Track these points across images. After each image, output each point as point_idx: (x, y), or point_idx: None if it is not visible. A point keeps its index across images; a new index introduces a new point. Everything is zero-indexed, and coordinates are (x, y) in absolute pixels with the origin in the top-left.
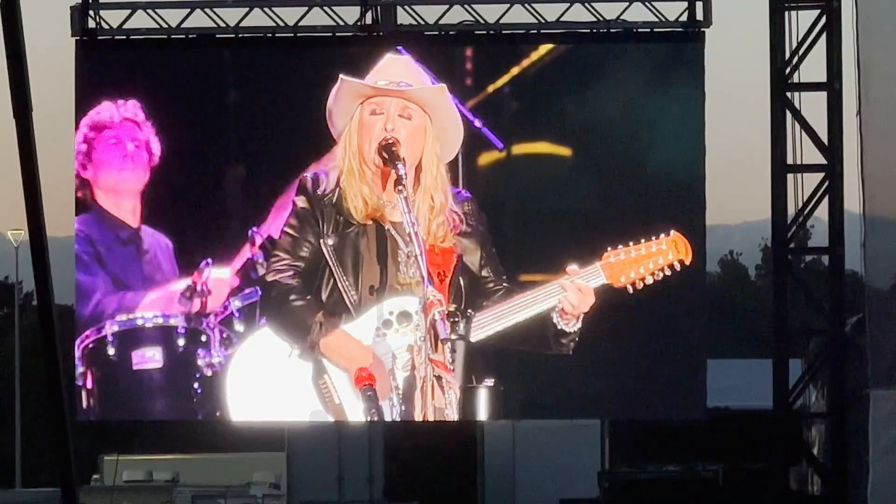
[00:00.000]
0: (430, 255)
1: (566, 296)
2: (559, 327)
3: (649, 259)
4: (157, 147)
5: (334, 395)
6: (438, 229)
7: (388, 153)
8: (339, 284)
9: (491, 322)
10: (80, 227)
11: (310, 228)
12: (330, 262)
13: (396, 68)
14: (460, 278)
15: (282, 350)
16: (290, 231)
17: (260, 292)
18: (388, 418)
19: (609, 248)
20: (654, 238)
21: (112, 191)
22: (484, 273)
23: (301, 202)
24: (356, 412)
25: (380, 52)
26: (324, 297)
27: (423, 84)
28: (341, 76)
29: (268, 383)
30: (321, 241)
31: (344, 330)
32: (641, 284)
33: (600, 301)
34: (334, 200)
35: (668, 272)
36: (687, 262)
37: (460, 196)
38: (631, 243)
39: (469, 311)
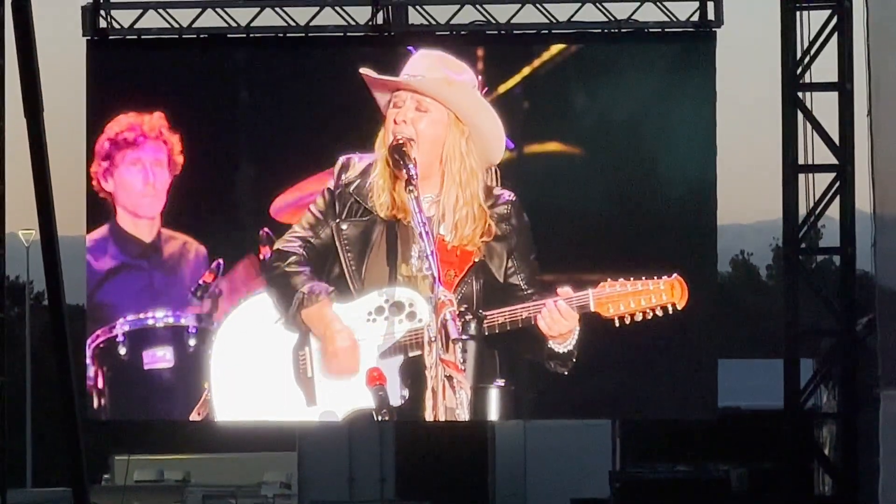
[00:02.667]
0: (449, 253)
1: (542, 315)
2: (549, 346)
3: (641, 296)
4: (179, 163)
5: (308, 369)
6: (465, 226)
7: (399, 154)
8: (345, 270)
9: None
10: (93, 243)
11: (331, 212)
12: (339, 247)
13: (426, 62)
14: (473, 279)
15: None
16: (314, 209)
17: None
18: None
19: (609, 279)
20: (655, 277)
21: (132, 212)
22: (513, 281)
23: (330, 184)
24: (325, 391)
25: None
26: (328, 280)
27: (446, 77)
28: (365, 70)
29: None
30: (334, 224)
31: (328, 305)
32: (629, 319)
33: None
34: (357, 188)
35: (658, 313)
36: (679, 307)
37: (502, 198)
38: (632, 278)
39: (480, 311)
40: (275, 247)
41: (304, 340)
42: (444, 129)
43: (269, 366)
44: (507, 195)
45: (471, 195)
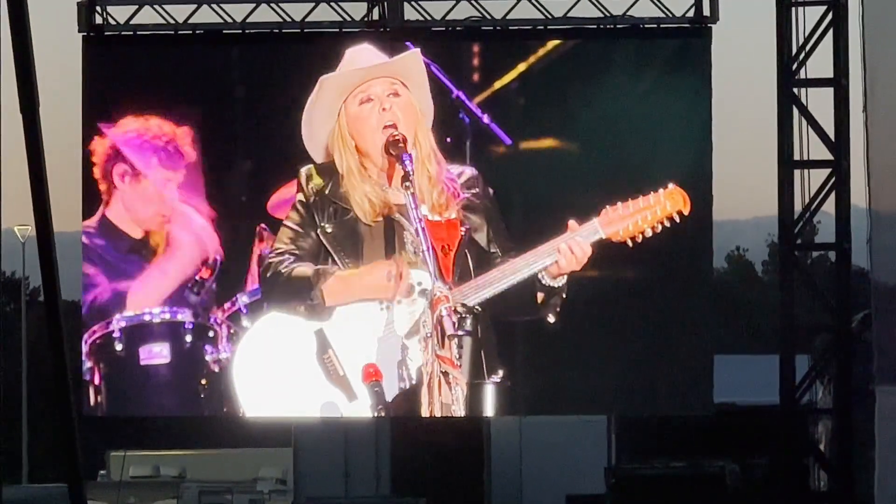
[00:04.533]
0: (436, 227)
1: (558, 259)
2: (544, 283)
3: (647, 211)
4: (183, 176)
5: (338, 368)
6: (439, 197)
7: (396, 150)
8: (341, 266)
9: (485, 287)
10: (88, 239)
11: (309, 220)
12: (330, 250)
13: (364, 56)
14: (467, 252)
15: (287, 337)
16: (290, 224)
17: (259, 274)
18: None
19: (607, 206)
20: (651, 192)
21: (131, 220)
22: (492, 248)
23: (300, 197)
24: (358, 384)
25: (387, 47)
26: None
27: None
28: (322, 77)
29: (275, 374)
30: (318, 229)
31: (338, 272)
32: (640, 237)
33: (607, 295)
34: (333, 192)
35: (667, 224)
36: (685, 213)
37: (466, 172)
38: (629, 199)
39: (476, 307)
40: (265, 261)
41: (323, 344)
42: (413, 111)
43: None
44: (470, 169)
45: (437, 166)
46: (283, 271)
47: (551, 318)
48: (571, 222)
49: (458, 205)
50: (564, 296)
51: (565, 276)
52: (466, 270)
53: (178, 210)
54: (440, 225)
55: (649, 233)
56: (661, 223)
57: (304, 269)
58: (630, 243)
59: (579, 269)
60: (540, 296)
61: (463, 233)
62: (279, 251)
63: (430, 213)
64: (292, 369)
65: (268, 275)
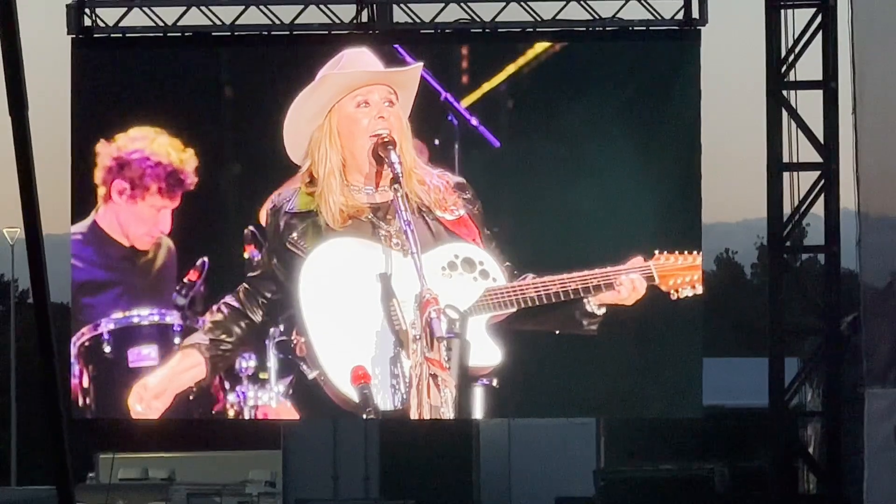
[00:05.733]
0: (457, 224)
1: (621, 288)
2: (589, 310)
3: (692, 271)
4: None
5: (402, 321)
6: (436, 195)
7: (384, 152)
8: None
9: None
10: (77, 242)
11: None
12: (299, 252)
13: (363, 59)
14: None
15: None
16: (253, 259)
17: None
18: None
19: (657, 252)
20: (690, 252)
21: (121, 233)
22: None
23: (263, 241)
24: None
25: (376, 51)
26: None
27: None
28: (324, 73)
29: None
30: (287, 242)
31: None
32: (676, 295)
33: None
34: (297, 211)
35: (697, 289)
36: (698, 292)
37: (452, 179)
38: (676, 251)
39: (464, 309)
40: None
41: (388, 291)
42: (402, 119)
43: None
44: (459, 178)
45: (420, 170)
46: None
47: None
48: (635, 260)
49: (460, 204)
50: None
51: (606, 307)
52: (505, 252)
53: (166, 234)
54: (457, 223)
55: (684, 292)
56: (692, 286)
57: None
58: (674, 296)
59: (632, 304)
60: (582, 320)
61: (476, 226)
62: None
63: (440, 211)
64: (358, 302)
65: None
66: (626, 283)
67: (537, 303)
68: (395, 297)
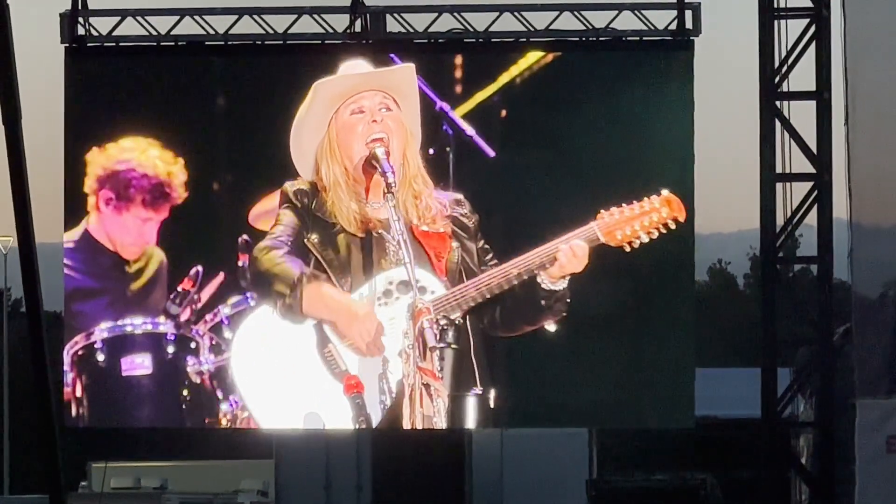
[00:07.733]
0: (427, 237)
1: (559, 258)
2: (545, 287)
3: (644, 216)
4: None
5: (340, 363)
6: (426, 211)
7: (377, 161)
8: (330, 275)
9: (482, 287)
10: (70, 251)
11: (301, 221)
12: (317, 255)
13: (359, 70)
14: (459, 259)
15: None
16: (284, 220)
17: (248, 262)
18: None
19: (602, 210)
20: (646, 198)
21: (110, 242)
22: (482, 268)
23: (286, 206)
24: (366, 376)
25: (382, 63)
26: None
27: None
28: (317, 83)
29: (275, 366)
30: (305, 239)
31: (329, 284)
32: (637, 242)
33: (588, 309)
34: (316, 206)
35: (662, 230)
36: (681, 220)
37: (450, 196)
38: (624, 204)
39: (457, 319)
40: (259, 244)
41: (323, 339)
42: (403, 127)
43: (301, 369)
44: (455, 194)
45: (423, 183)
46: (268, 265)
47: (552, 327)
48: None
49: (448, 220)
50: (569, 300)
51: (566, 280)
52: (460, 278)
53: (153, 245)
54: (430, 235)
55: (645, 238)
56: (657, 229)
57: (291, 267)
58: (627, 248)
59: (581, 269)
60: (542, 302)
61: (455, 247)
62: (275, 238)
63: (419, 222)
64: (293, 361)
65: (260, 256)
66: (565, 250)
67: (479, 300)
68: (331, 342)
